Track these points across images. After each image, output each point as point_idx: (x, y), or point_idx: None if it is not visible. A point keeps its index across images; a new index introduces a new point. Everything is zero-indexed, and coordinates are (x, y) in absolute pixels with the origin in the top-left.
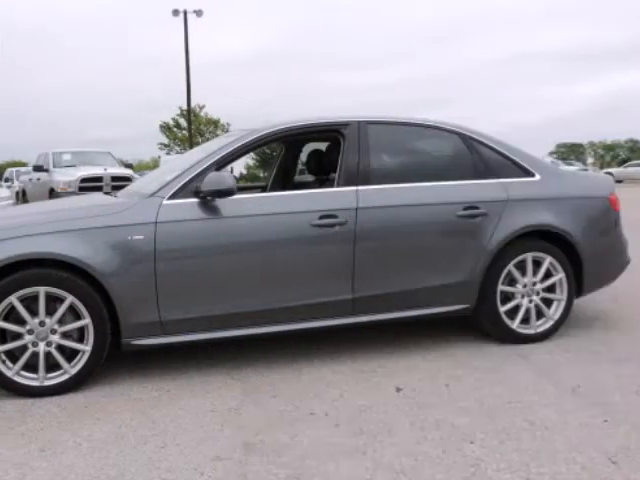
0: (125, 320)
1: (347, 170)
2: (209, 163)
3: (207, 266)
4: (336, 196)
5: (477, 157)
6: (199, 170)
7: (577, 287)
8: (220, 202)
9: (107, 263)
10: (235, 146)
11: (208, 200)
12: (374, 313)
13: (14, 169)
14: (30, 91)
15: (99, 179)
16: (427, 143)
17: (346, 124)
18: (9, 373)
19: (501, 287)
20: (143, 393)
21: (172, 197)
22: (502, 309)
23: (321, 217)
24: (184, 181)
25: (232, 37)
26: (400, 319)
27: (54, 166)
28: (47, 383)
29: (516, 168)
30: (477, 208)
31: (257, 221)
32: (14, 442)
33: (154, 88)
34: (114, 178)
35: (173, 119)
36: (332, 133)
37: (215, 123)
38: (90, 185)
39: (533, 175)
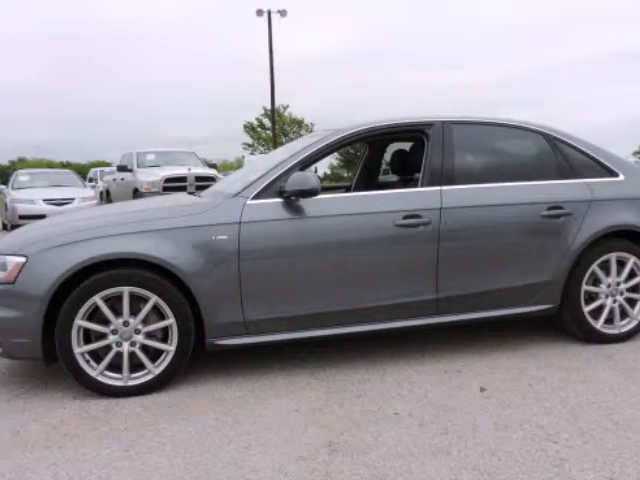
0: (209, 320)
1: (431, 170)
2: (293, 163)
3: (291, 266)
4: (420, 196)
5: (561, 157)
6: (283, 170)
7: None
8: (304, 202)
9: (191, 263)
10: (319, 146)
11: (292, 200)
12: (458, 313)
13: (98, 169)
14: (113, 92)
15: (183, 179)
16: (511, 143)
17: (430, 124)
18: (93, 373)
19: (585, 287)
20: (227, 393)
21: (256, 197)
22: (586, 309)
23: (405, 217)
24: (268, 181)
25: (316, 37)
26: (484, 319)
27: (138, 166)
28: (131, 383)
29: (600, 168)
30: (561, 208)
31: (341, 221)
32: (98, 442)
33: (238, 88)
34: (198, 178)
35: (257, 119)
36: (416, 133)
37: (299, 123)
38: (174, 185)
39: (617, 175)
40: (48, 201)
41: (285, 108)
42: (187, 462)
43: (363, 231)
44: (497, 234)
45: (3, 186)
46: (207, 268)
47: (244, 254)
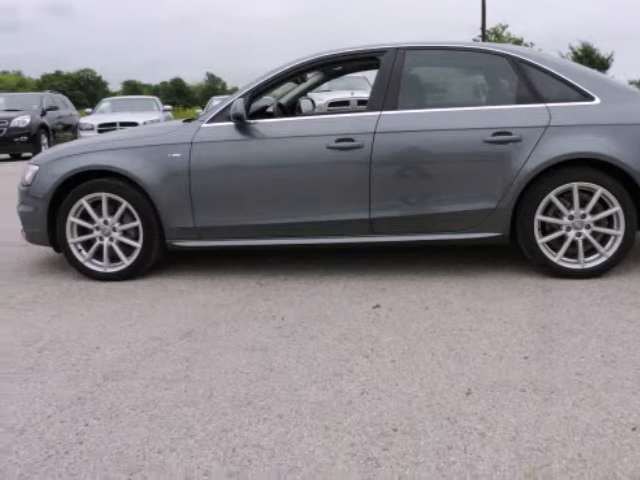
0: None
1: (375, 95)
2: (243, 92)
3: None
4: (355, 121)
5: (523, 80)
6: (233, 99)
7: None
8: (254, 125)
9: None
10: (268, 77)
11: (242, 123)
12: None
13: None
14: None
15: (346, 103)
16: (470, 68)
17: (383, 51)
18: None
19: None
20: None
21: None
22: None
23: (337, 140)
24: (222, 107)
25: None
26: (423, 242)
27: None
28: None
29: (572, 91)
30: (509, 134)
31: (279, 143)
32: None
33: (458, 8)
34: (360, 102)
35: (474, 40)
36: (370, 61)
37: (518, 43)
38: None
39: (592, 99)
40: None
41: (504, 28)
42: None
43: (299, 152)
44: (433, 159)
45: None
46: None
47: None
